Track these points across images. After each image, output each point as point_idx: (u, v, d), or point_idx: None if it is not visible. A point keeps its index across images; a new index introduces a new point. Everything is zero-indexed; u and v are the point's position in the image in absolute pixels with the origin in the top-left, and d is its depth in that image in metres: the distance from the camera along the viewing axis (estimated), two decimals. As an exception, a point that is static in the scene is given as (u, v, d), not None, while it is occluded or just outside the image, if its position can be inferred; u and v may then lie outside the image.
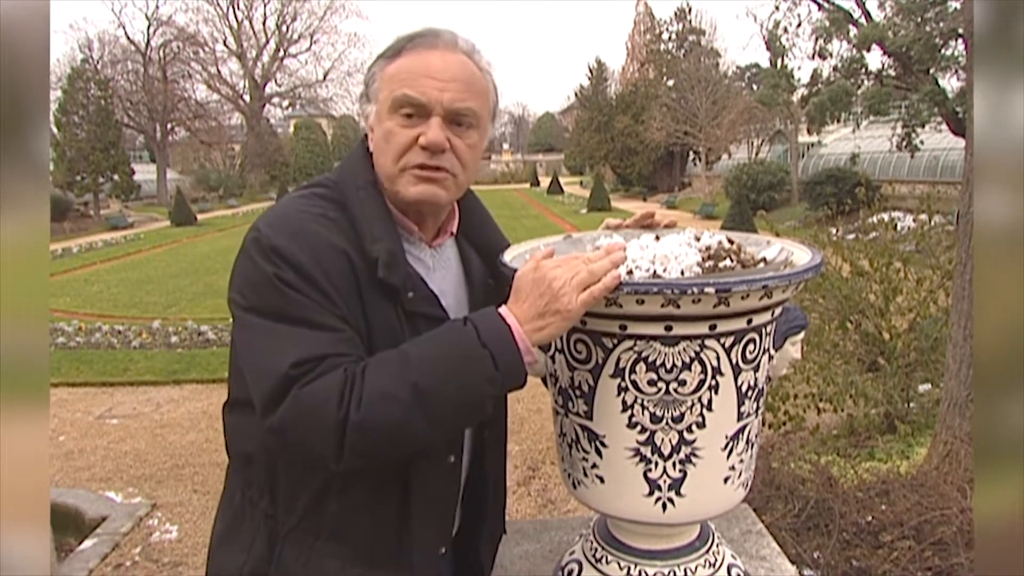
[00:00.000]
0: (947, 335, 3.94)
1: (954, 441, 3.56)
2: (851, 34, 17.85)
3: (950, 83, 17.70)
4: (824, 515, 2.67)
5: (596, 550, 1.36)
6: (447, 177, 1.21)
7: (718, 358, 1.12)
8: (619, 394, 1.14)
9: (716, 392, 1.14)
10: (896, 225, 6.51)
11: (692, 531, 1.34)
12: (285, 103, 48.32)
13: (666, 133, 34.94)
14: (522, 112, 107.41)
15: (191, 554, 4.89)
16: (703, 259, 1.19)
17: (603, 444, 1.19)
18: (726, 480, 1.21)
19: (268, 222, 1.18)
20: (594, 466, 1.21)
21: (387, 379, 1.07)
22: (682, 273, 1.13)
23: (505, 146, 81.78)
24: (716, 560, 1.34)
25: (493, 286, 1.36)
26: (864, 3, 17.50)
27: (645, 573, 1.29)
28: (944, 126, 17.21)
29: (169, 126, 41.24)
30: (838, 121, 20.10)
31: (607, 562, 1.32)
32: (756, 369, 1.18)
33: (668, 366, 1.11)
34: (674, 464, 1.17)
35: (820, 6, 17.90)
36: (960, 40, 16.38)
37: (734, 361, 1.14)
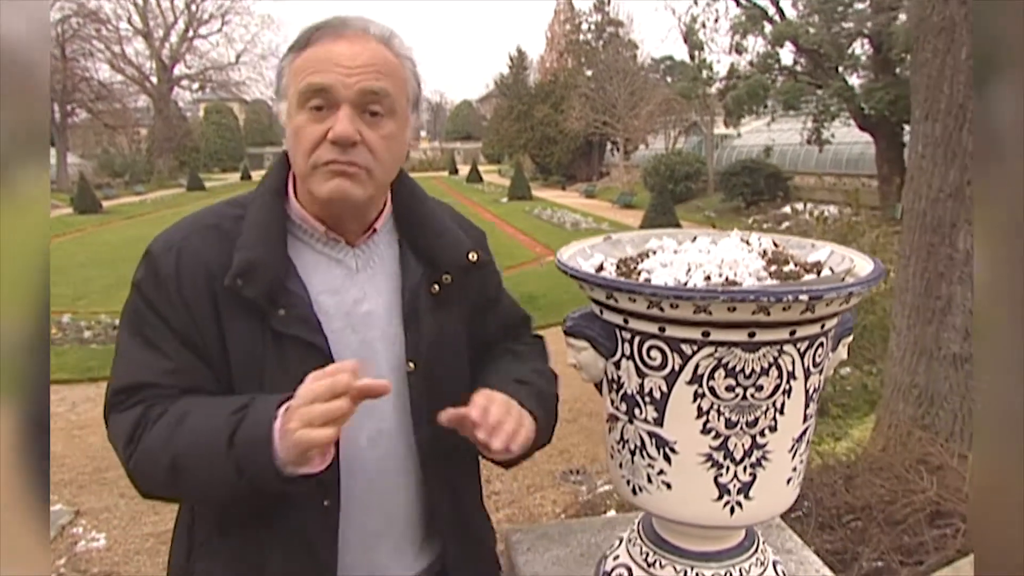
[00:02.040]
0: (890, 324, 4.14)
1: (899, 424, 3.75)
2: (766, 31, 18.48)
3: (856, 81, 18.59)
4: (797, 500, 2.76)
5: (647, 554, 1.35)
6: (359, 172, 1.13)
7: (793, 363, 1.13)
8: (695, 400, 1.13)
9: (789, 396, 1.14)
10: (827, 217, 6.79)
11: (741, 531, 1.35)
12: (195, 86, 46.17)
13: (585, 123, 35.32)
14: (440, 99, 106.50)
15: (122, 563, 4.66)
16: (767, 263, 1.20)
17: (673, 450, 1.18)
18: (788, 481, 1.23)
19: (174, 224, 1.23)
20: (661, 472, 1.20)
21: (159, 441, 1.09)
22: (758, 279, 1.13)
23: (423, 134, 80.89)
24: (764, 559, 1.36)
25: (440, 292, 1.27)
26: (778, 1, 18.14)
27: (702, 575, 1.29)
28: (852, 121, 18.05)
29: (69, 107, 38.70)
30: (753, 114, 20.78)
31: (661, 566, 1.32)
32: (820, 372, 1.20)
33: (747, 372, 1.11)
34: (745, 468, 1.17)
35: (738, 2, 18.46)
36: (866, 40, 17.22)
37: (806, 365, 1.14)
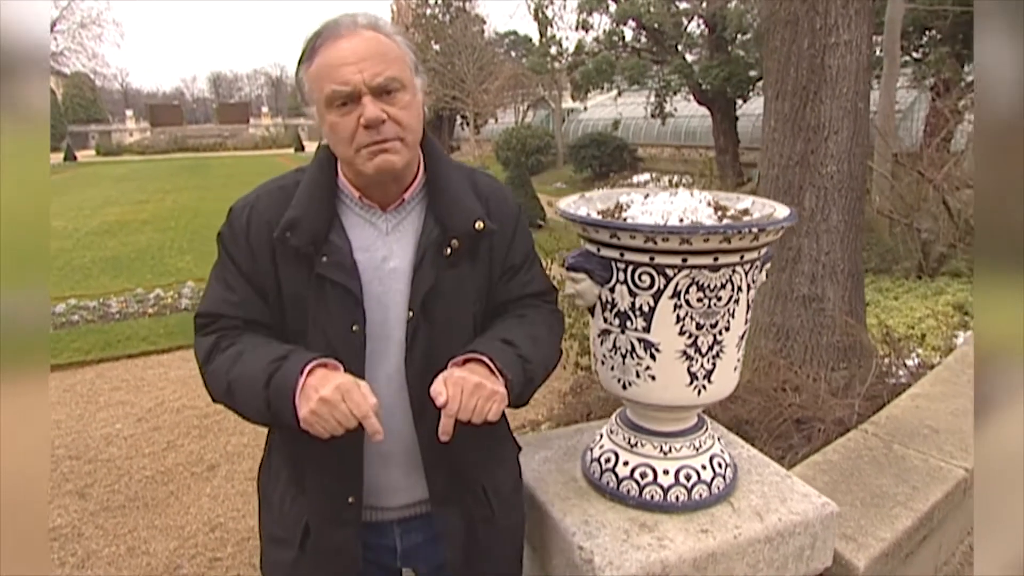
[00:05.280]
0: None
1: (763, 357, 4.41)
2: (611, 9, 19.43)
3: (693, 58, 19.98)
4: (694, 420, 3.31)
5: (629, 438, 1.75)
6: (395, 143, 1.35)
7: (741, 279, 1.55)
8: (674, 310, 1.54)
9: (737, 304, 1.57)
10: (679, 184, 7.48)
11: (695, 415, 1.78)
12: (3, 57, 41.53)
13: (435, 97, 35.25)
14: (280, 73, 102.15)
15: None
16: (714, 210, 1.61)
17: (657, 350, 1.58)
18: (735, 368, 1.66)
19: (256, 186, 1.51)
20: (647, 368, 1.60)
21: (223, 367, 1.38)
22: (715, 220, 1.54)
23: (264, 109, 77.20)
24: (714, 434, 1.80)
25: (451, 255, 1.42)
26: (622, -20, 19.08)
27: (674, 448, 1.71)
28: (691, 96, 19.42)
29: None
30: (600, 89, 21.81)
31: (642, 445, 1.73)
32: (755, 287, 1.63)
33: (711, 287, 1.52)
34: (708, 359, 1.59)
35: (583, -19, 19.22)
36: (702, 20, 18.53)
37: (748, 281, 1.58)
